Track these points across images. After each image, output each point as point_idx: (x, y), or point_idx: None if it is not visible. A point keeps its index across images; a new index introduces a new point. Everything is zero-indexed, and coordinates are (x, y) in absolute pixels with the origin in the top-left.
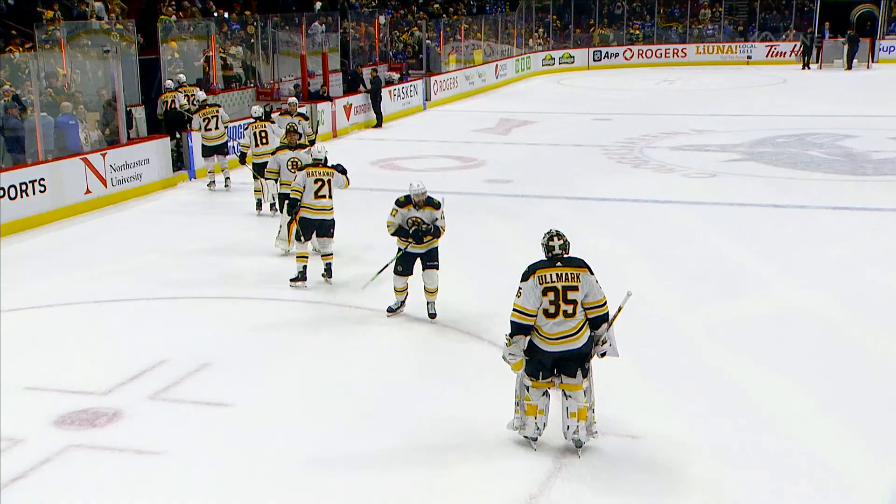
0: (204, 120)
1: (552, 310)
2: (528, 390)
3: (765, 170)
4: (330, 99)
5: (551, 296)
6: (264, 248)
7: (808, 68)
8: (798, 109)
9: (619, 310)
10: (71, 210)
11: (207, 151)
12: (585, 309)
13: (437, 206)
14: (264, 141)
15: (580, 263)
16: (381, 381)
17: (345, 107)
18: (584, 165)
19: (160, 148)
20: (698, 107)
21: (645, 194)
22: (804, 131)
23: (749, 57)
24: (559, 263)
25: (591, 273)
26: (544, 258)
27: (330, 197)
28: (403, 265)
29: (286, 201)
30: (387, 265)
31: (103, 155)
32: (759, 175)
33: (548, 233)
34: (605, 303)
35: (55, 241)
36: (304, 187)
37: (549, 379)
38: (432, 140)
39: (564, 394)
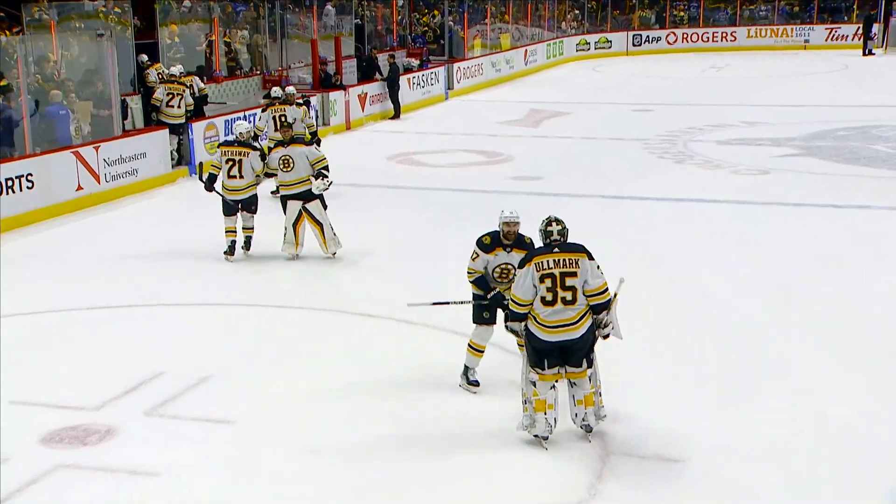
0: (168, 95)
1: (549, 297)
2: (534, 385)
3: (823, 166)
4: (343, 87)
5: (548, 283)
6: (271, 251)
7: (872, 53)
8: (861, 99)
9: (615, 296)
10: (60, 208)
11: (172, 129)
12: (587, 296)
13: (529, 247)
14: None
15: (579, 248)
16: (395, 394)
17: (359, 96)
18: (622, 161)
19: (158, 141)
20: (749, 96)
21: (689, 193)
22: (867, 123)
23: (806, 41)
24: (556, 249)
25: (591, 259)
26: (542, 245)
27: (241, 177)
28: (490, 310)
29: (287, 201)
30: (452, 303)
31: (96, 148)
32: (817, 172)
33: (546, 219)
34: (606, 289)
35: (43, 242)
36: (220, 165)
37: (556, 369)
38: (455, 133)
39: (570, 382)
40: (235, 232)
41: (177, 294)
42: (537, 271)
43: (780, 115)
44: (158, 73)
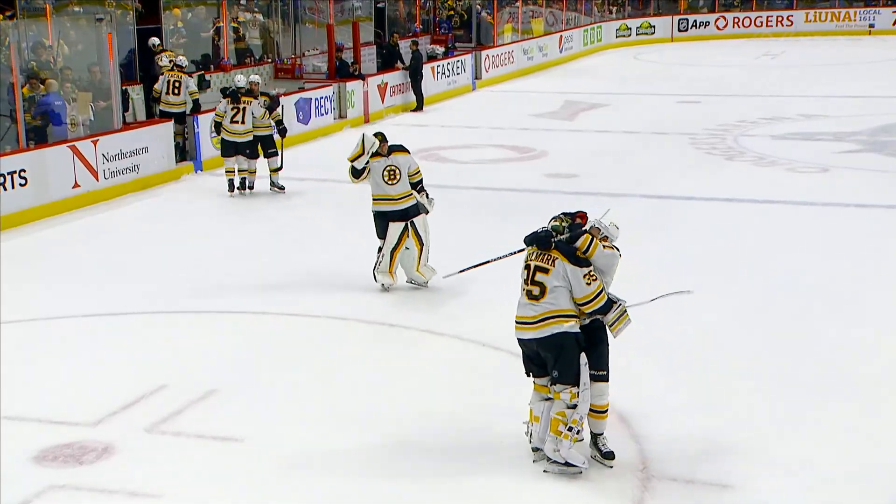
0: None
1: (522, 287)
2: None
3: (889, 163)
4: (362, 77)
5: (525, 273)
6: (282, 254)
7: None
8: None
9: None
10: (55, 207)
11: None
12: (578, 305)
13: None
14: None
15: (566, 251)
16: (416, 410)
17: (379, 86)
18: (667, 157)
19: (160, 134)
20: (807, 87)
21: (740, 192)
22: None
23: (871, 26)
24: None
25: (582, 266)
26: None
27: (243, 122)
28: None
29: (389, 221)
30: (482, 263)
31: (94, 142)
32: (882, 170)
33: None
34: (593, 299)
35: (36, 243)
36: (224, 113)
37: (545, 381)
38: (483, 126)
39: None
40: (234, 171)
41: (180, 301)
42: (525, 261)
43: (842, 107)
44: (171, 61)
